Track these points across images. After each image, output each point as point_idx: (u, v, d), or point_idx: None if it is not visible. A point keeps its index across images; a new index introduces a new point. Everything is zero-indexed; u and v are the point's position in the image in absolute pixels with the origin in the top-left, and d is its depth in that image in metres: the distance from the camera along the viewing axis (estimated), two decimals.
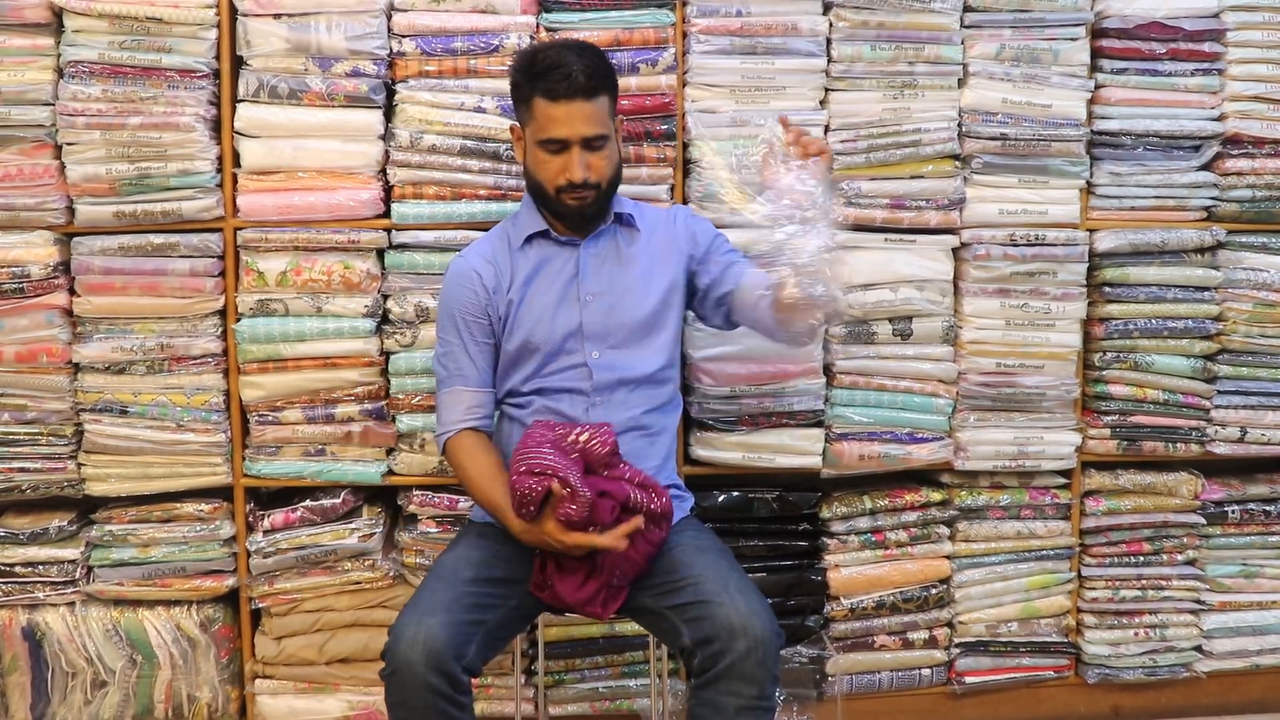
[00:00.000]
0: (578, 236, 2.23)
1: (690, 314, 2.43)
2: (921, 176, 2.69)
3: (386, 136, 2.60)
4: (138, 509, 2.64)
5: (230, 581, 2.66)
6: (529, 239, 2.23)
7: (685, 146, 2.65)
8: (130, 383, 2.59)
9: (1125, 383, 2.80)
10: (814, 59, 2.64)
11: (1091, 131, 2.74)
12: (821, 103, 2.68)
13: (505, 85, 2.57)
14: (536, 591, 2.08)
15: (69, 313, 2.58)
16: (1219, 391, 2.83)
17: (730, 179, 2.17)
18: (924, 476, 2.86)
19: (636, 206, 2.33)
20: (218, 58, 2.55)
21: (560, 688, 2.74)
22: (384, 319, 2.63)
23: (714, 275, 2.26)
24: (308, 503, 2.64)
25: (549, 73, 2.08)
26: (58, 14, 2.50)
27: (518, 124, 2.22)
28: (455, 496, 2.66)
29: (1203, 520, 2.88)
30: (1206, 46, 2.74)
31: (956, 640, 2.84)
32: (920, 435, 2.75)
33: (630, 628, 2.71)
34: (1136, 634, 2.88)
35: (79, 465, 2.62)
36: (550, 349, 2.19)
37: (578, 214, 2.18)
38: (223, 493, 2.67)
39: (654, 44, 2.61)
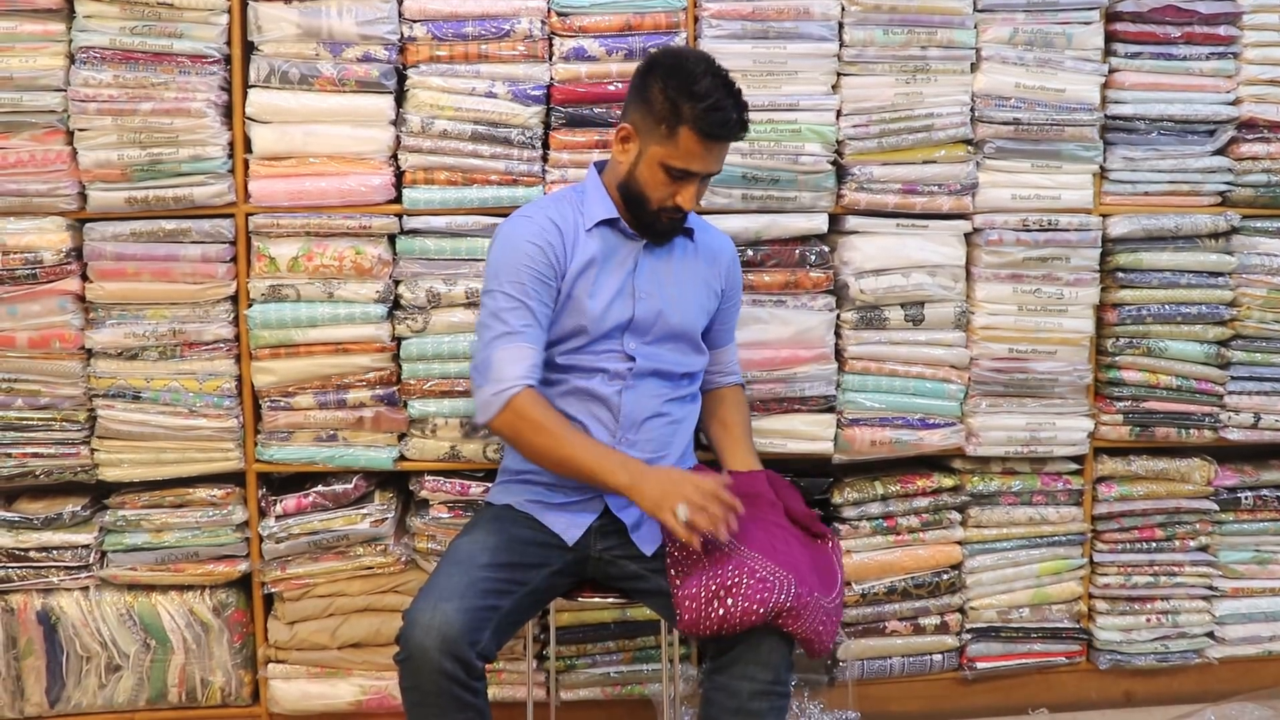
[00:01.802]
0: (642, 235, 2.23)
1: None
2: (934, 161, 2.68)
3: (398, 122, 2.60)
4: (150, 494, 2.64)
5: (243, 566, 2.67)
6: (598, 223, 2.21)
7: None
8: (143, 368, 2.59)
9: (1138, 368, 2.79)
10: (826, 43, 2.63)
11: (1105, 116, 2.73)
12: (834, 87, 2.67)
13: (516, 70, 2.58)
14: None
15: (81, 298, 2.58)
16: (1232, 377, 2.82)
17: None
18: (936, 462, 2.85)
19: (697, 220, 2.35)
20: (229, 43, 2.55)
21: (572, 672, 2.75)
22: (395, 304, 2.63)
23: (712, 327, 2.38)
24: (320, 488, 2.64)
25: (711, 113, 2.03)
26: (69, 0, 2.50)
27: (631, 127, 2.12)
28: (467, 482, 2.66)
29: (1215, 506, 2.88)
30: (1222, 30, 2.73)
31: (968, 626, 2.84)
32: (932, 421, 2.75)
33: (642, 613, 2.72)
34: (1148, 620, 2.88)
35: (92, 450, 2.62)
36: (597, 334, 2.18)
37: (668, 230, 2.20)
38: (235, 478, 2.68)
39: (665, 28, 2.60)
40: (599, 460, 2.02)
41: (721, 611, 1.89)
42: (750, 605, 1.88)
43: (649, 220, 2.17)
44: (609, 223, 2.21)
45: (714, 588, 1.91)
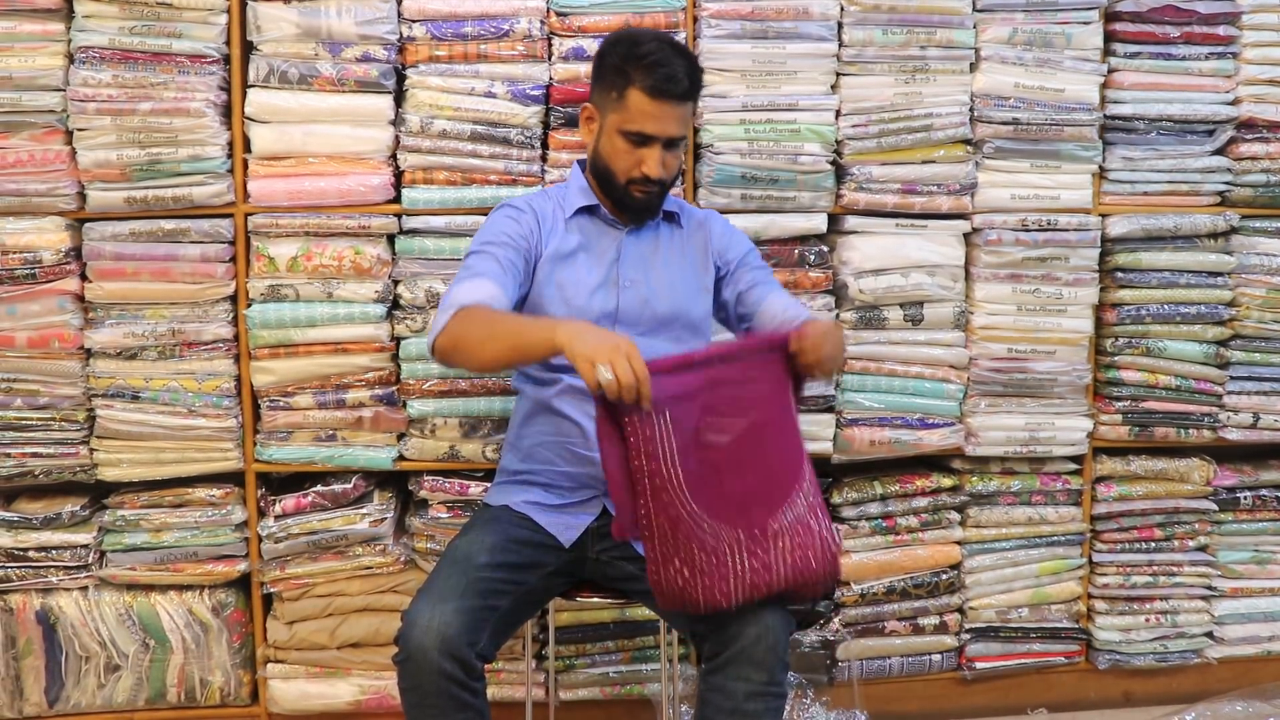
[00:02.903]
0: (623, 221, 2.22)
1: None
2: (933, 161, 2.68)
3: (397, 122, 2.60)
4: (150, 494, 2.64)
5: (242, 566, 2.67)
6: (577, 212, 2.22)
7: (696, 131, 2.64)
8: (142, 368, 2.59)
9: (1137, 368, 2.80)
10: (825, 43, 2.63)
11: (1104, 116, 2.73)
12: (833, 87, 2.67)
13: (515, 70, 2.58)
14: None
15: (81, 298, 2.58)
16: (1231, 377, 2.82)
17: None
18: (935, 462, 2.85)
19: (680, 204, 2.34)
20: (228, 43, 2.55)
21: (571, 672, 2.74)
22: (395, 304, 2.63)
23: (738, 291, 2.29)
24: (319, 488, 2.64)
25: (655, 69, 2.05)
26: None
27: (592, 106, 2.17)
28: (466, 482, 2.66)
29: (1214, 506, 2.88)
30: (1221, 30, 2.73)
31: (967, 626, 2.84)
32: (931, 421, 2.75)
33: (641, 613, 2.72)
34: (1147, 620, 2.88)
35: (91, 450, 2.62)
36: None
37: (642, 206, 2.18)
38: (234, 478, 2.68)
39: (664, 28, 2.60)
40: (537, 335, 1.87)
41: (680, 582, 1.84)
42: (714, 596, 1.85)
43: (620, 195, 2.16)
44: (590, 211, 2.21)
45: (666, 552, 1.85)
